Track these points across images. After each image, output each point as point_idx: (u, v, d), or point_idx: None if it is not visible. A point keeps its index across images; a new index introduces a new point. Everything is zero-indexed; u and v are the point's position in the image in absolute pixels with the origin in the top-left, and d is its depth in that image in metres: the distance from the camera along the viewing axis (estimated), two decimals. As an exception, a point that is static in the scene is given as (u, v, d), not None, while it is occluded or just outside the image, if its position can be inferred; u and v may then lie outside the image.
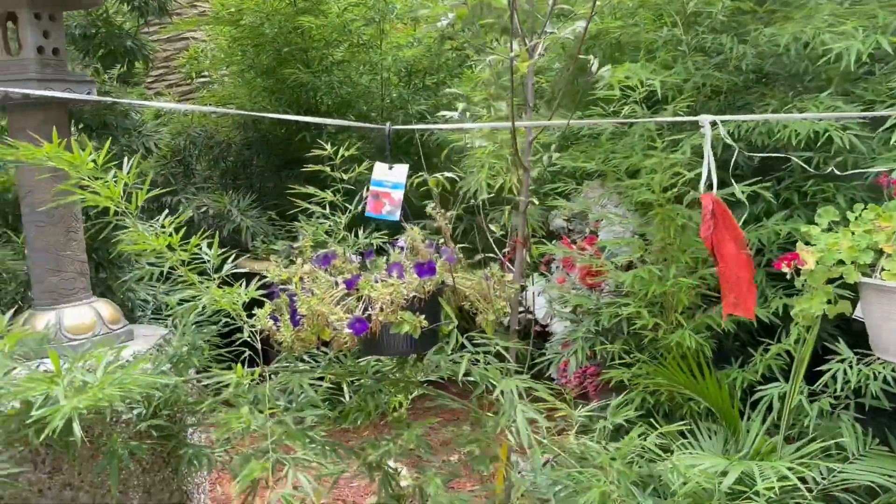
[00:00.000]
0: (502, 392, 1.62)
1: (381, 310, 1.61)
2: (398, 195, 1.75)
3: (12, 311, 2.04)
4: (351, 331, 1.58)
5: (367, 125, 1.86)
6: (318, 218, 2.25)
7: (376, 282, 1.64)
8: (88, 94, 2.07)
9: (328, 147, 2.06)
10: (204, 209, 3.33)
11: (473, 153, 2.44)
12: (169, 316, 2.99)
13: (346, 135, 3.85)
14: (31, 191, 2.05)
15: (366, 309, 1.64)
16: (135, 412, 1.95)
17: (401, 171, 1.77)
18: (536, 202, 2.35)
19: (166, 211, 2.01)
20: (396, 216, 1.74)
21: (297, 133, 4.06)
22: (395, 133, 3.78)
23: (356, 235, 2.18)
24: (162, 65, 4.89)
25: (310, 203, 2.15)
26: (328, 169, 2.12)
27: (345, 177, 2.10)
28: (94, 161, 1.76)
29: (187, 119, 3.94)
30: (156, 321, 3.01)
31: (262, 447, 1.99)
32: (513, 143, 1.80)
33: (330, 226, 2.18)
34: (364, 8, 3.75)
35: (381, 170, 1.77)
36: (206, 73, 4.73)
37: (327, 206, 2.17)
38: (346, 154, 2.06)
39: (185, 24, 4.21)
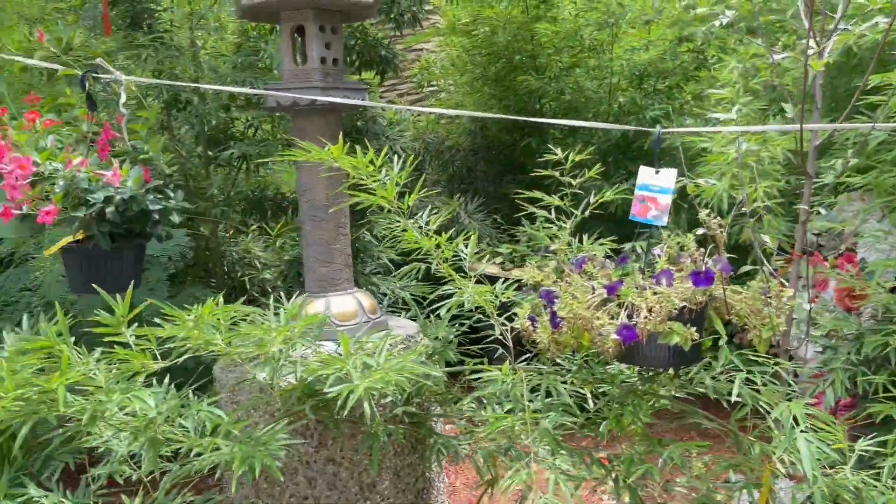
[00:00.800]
0: (778, 417, 1.51)
1: (648, 318, 1.57)
2: (665, 200, 1.70)
3: (296, 296, 2.27)
4: (618, 338, 1.56)
5: (626, 127, 1.82)
6: (541, 222, 2.26)
7: (643, 288, 1.60)
8: (362, 100, 2.24)
9: (559, 152, 2.06)
10: (436, 211, 3.47)
11: (710, 160, 2.31)
12: (405, 309, 3.16)
13: (572, 139, 3.85)
14: (309, 188, 2.25)
15: (630, 316, 1.60)
16: (388, 398, 2.08)
17: (668, 175, 1.71)
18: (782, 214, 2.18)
19: (427, 209, 2.12)
20: (663, 221, 1.69)
21: (521, 139, 4.13)
22: (626, 138, 3.70)
23: (580, 241, 2.14)
24: (393, 74, 5.20)
25: (536, 207, 2.16)
26: (557, 174, 2.12)
27: (573, 182, 2.09)
28: (371, 163, 1.90)
29: (422, 125, 4.15)
30: (393, 313, 3.20)
31: (501, 444, 2.03)
32: (799, 148, 1.68)
33: (555, 230, 2.18)
34: (597, 13, 3.73)
35: (646, 174, 1.72)
36: (434, 83, 4.96)
37: (552, 211, 2.17)
38: (576, 159, 2.06)
39: (421, 36, 4.44)
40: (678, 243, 1.76)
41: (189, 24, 2.99)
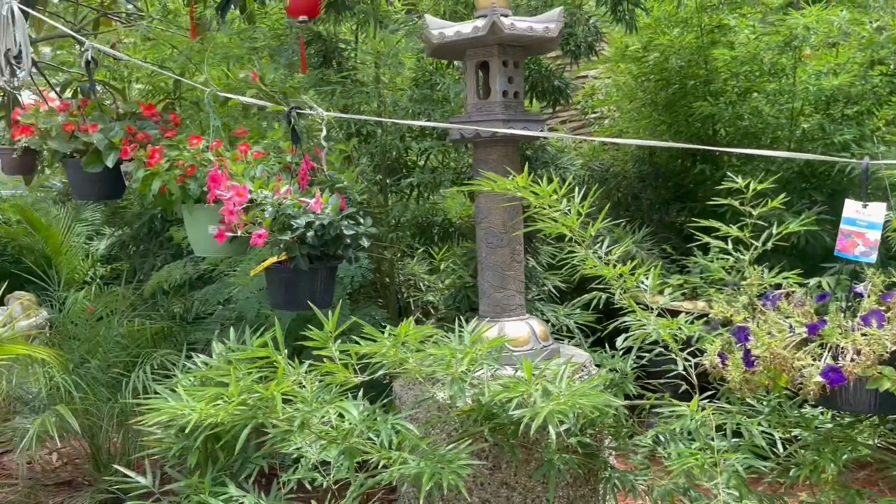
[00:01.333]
0: None
1: (855, 361, 1.48)
2: (874, 236, 1.59)
3: (474, 320, 2.34)
4: (823, 380, 1.48)
5: (834, 158, 1.73)
6: (716, 253, 2.17)
7: (849, 329, 1.51)
8: (541, 131, 2.29)
9: (739, 180, 1.98)
10: (601, 239, 3.45)
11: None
12: (569, 337, 3.16)
13: (749, 166, 3.68)
14: (487, 216, 2.33)
15: (835, 358, 1.52)
16: (562, 426, 2.08)
17: (877, 209, 1.61)
18: None
19: (606, 239, 2.13)
20: (872, 258, 1.59)
21: (693, 166, 4.01)
22: (811, 166, 3.48)
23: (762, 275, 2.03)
24: (565, 103, 5.24)
25: (711, 237, 2.08)
26: (735, 202, 2.04)
27: (754, 212, 2.00)
28: (554, 192, 1.93)
29: (585, 152, 4.15)
30: (556, 341, 3.21)
31: (679, 484, 1.96)
32: None
33: (732, 262, 2.09)
34: (778, 36, 3.56)
35: (853, 207, 1.63)
36: (597, 110, 4.94)
37: (728, 242, 2.09)
38: (757, 188, 1.97)
39: (588, 64, 4.45)
40: (883, 281, 1.65)
41: (374, 61, 3.19)
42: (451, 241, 3.73)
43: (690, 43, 3.77)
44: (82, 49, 2.86)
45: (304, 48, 3.02)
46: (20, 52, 2.71)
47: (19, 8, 2.68)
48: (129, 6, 3.85)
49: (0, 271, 5.04)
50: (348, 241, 2.25)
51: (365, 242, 2.30)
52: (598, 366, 2.38)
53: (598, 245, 2.06)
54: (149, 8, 3.85)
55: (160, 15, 3.78)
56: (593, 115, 5.03)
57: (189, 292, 3.64)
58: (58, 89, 3.99)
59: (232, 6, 3.24)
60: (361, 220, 2.30)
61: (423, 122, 2.69)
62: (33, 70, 3.38)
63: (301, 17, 2.83)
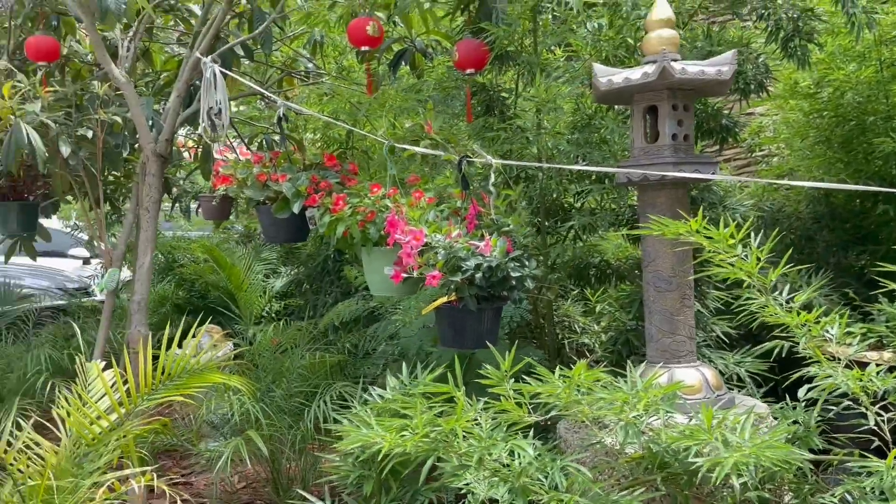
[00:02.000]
0: None
1: None
2: None
3: (643, 366, 2.32)
4: None
5: None
6: None
7: None
8: (713, 174, 2.26)
9: None
10: (780, 284, 3.29)
11: None
12: (739, 386, 3.02)
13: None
14: (654, 259, 2.32)
15: None
16: (740, 479, 2.00)
17: None
18: None
19: (787, 285, 2.05)
20: None
21: (874, 207, 3.73)
22: None
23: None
24: (734, 142, 5.08)
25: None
26: None
27: None
28: (731, 236, 1.90)
29: (757, 192, 4.00)
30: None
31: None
32: None
33: None
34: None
35: None
36: (765, 148, 4.74)
37: None
38: None
39: (754, 101, 4.31)
40: None
41: (536, 108, 3.29)
42: (608, 282, 3.70)
43: (869, 77, 3.56)
44: (275, 106, 3.18)
45: (470, 99, 3.17)
46: (220, 109, 3.06)
47: (220, 71, 3.03)
48: (310, 65, 4.22)
49: (189, 306, 5.60)
50: (514, 282, 2.32)
51: (529, 284, 2.37)
52: (775, 418, 2.26)
53: (778, 291, 1.99)
54: (325, 66, 4.20)
55: (336, 72, 4.11)
56: (761, 153, 4.82)
57: (359, 328, 3.86)
58: (246, 141, 4.43)
59: (403, 63, 3.48)
60: (526, 263, 2.37)
61: (588, 167, 2.73)
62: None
63: (468, 70, 2.98)
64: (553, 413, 1.79)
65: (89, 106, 3.60)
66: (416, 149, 2.61)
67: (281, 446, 2.87)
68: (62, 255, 7.95)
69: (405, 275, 2.36)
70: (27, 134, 3.03)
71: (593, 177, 3.36)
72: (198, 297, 5.59)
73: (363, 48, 3.04)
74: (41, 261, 5.33)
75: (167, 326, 4.12)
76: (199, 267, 5.60)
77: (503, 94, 3.44)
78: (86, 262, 8.17)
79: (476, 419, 1.71)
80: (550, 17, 3.31)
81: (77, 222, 6.48)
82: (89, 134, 3.37)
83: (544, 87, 2.91)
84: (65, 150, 3.24)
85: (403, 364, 2.44)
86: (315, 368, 3.11)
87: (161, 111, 3.58)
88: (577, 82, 3.13)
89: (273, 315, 4.98)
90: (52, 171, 3.53)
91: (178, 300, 5.44)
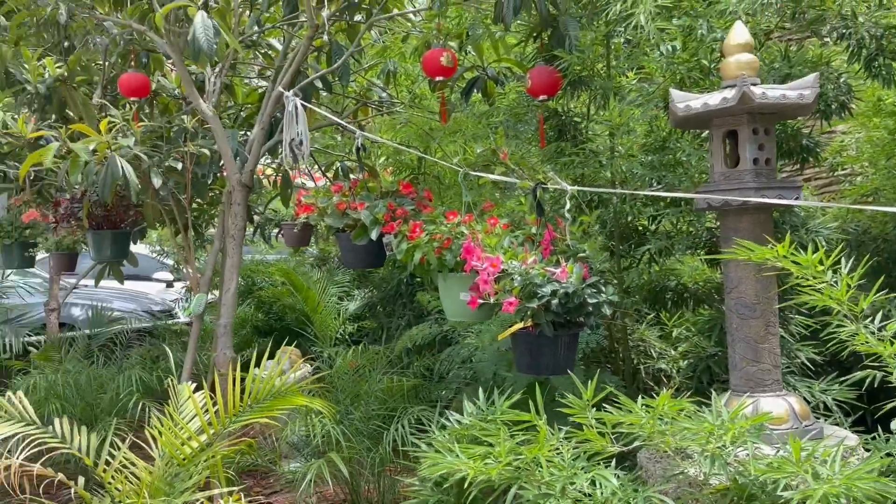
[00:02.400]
0: None
1: None
2: None
3: (727, 395, 2.27)
4: None
5: None
6: None
7: None
8: (796, 198, 2.21)
9: None
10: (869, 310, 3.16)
11: None
12: (825, 415, 2.91)
13: None
14: (737, 285, 2.27)
15: None
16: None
17: None
18: None
19: (878, 313, 1.98)
20: None
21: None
22: None
23: None
24: (815, 162, 4.93)
25: None
26: None
27: None
28: (820, 262, 1.85)
29: (841, 213, 3.86)
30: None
31: None
32: None
33: None
34: None
35: None
36: (847, 167, 4.58)
37: None
38: None
39: (836, 121, 4.18)
40: None
41: (609, 132, 3.28)
42: (685, 306, 3.64)
43: (961, 92, 3.41)
44: (352, 135, 3.28)
45: (543, 124, 3.20)
46: (301, 140, 3.17)
47: (301, 104, 3.15)
48: (383, 94, 4.33)
49: (267, 327, 5.78)
50: (591, 308, 2.31)
51: (607, 310, 2.35)
52: (867, 450, 2.18)
53: (868, 318, 1.92)
54: (398, 95, 4.31)
55: (409, 101, 4.21)
56: (843, 172, 4.66)
57: (432, 352, 3.90)
58: (323, 169, 4.57)
59: (475, 90, 3.54)
60: (603, 289, 2.36)
61: (666, 193, 2.71)
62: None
63: (541, 97, 3.01)
64: (636, 443, 1.77)
65: (177, 138, 3.81)
66: (491, 176, 2.65)
67: (360, 468, 2.92)
68: (147, 278, 8.34)
69: (481, 301, 2.38)
70: (122, 167, 3.22)
71: (668, 199, 3.32)
72: (276, 319, 5.76)
73: (437, 78, 3.11)
74: (127, 284, 5.61)
75: (248, 348, 4.26)
76: (277, 290, 5.78)
77: (576, 119, 3.45)
78: (169, 285, 8.54)
79: (557, 448, 1.72)
80: (623, 41, 3.31)
81: (162, 248, 6.78)
82: (178, 165, 3.54)
83: (618, 111, 2.90)
84: (156, 181, 3.42)
85: (480, 390, 2.46)
86: (391, 392, 3.16)
87: (244, 142, 3.74)
88: (650, 105, 3.12)
89: (347, 337, 5.09)
90: (144, 200, 3.73)
91: (258, 322, 5.61)
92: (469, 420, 2.29)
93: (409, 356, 3.97)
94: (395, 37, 3.75)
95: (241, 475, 3.34)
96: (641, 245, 3.39)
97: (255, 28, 3.92)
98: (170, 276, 8.44)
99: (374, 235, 2.86)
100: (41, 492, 2.49)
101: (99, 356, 4.69)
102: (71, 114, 4.45)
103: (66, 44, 4.38)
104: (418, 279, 4.72)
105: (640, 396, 1.83)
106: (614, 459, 1.88)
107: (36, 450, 2.38)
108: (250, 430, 3.81)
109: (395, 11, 3.51)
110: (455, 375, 3.81)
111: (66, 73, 4.29)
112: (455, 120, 3.99)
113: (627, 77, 3.62)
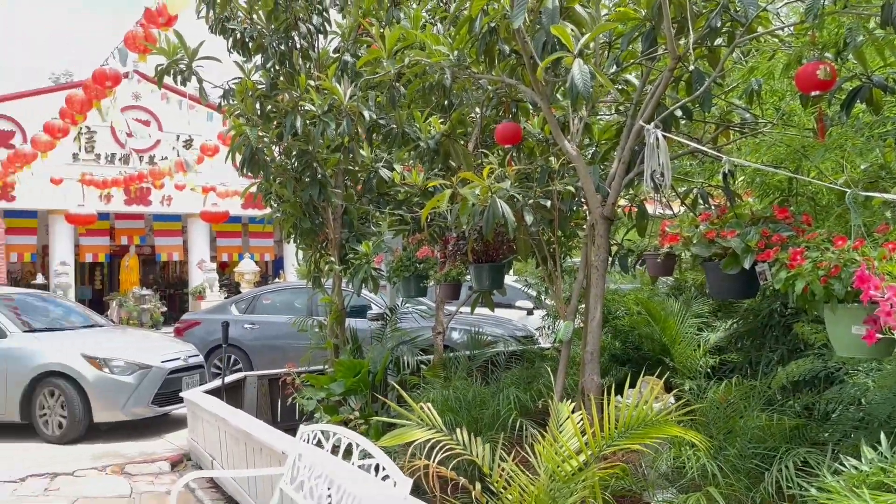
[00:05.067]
0: None
1: None
2: None
3: None
4: None
5: None
6: None
7: None
8: None
9: None
10: None
11: None
12: None
13: None
14: None
15: None
16: None
17: None
18: None
19: None
20: None
21: None
22: None
23: None
24: None
25: None
26: None
27: None
28: None
29: None
30: None
31: None
32: None
33: None
34: None
35: None
36: None
37: None
38: None
39: None
40: None
41: None
42: None
43: None
44: (716, 161, 3.22)
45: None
46: (662, 171, 3.20)
47: (662, 135, 3.19)
48: (746, 115, 4.14)
49: (625, 356, 5.84)
50: None
51: None
52: None
53: None
54: (763, 114, 4.07)
55: (776, 119, 3.95)
56: None
57: (813, 390, 3.57)
58: (681, 196, 4.52)
59: (857, 101, 3.20)
60: None
61: None
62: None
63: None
64: None
65: (541, 178, 4.13)
66: (887, 195, 2.38)
67: (739, 508, 2.80)
68: (509, 306, 9.07)
69: (880, 335, 2.15)
70: (501, 207, 3.61)
71: None
72: (633, 348, 5.80)
73: (813, 93, 2.90)
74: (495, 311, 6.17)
75: (605, 376, 4.38)
76: (634, 319, 5.82)
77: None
78: (529, 312, 9.17)
79: None
80: None
81: (526, 279, 7.32)
82: (546, 203, 3.84)
83: None
84: (528, 218, 3.76)
85: (882, 434, 2.21)
86: (769, 429, 2.97)
87: (603, 177, 3.90)
88: None
89: (708, 370, 4.89)
90: (517, 235, 4.11)
91: (616, 350, 5.72)
92: (869, 467, 2.08)
93: (785, 393, 3.67)
94: (762, 55, 3.58)
95: (615, 499, 3.43)
96: None
97: (614, 68, 4.08)
98: (530, 305, 9.05)
99: (746, 264, 2.76)
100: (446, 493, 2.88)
101: (477, 376, 5.24)
102: (452, 163, 5.13)
103: (445, 102, 5.05)
104: (790, 309, 4.36)
105: None
106: None
107: (441, 455, 2.78)
108: (618, 455, 3.89)
109: (761, 30, 3.36)
110: (842, 416, 3.42)
111: (448, 129, 4.96)
112: (833, 134, 3.63)
113: None
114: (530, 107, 4.64)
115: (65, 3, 67.06)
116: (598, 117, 5.07)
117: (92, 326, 8.50)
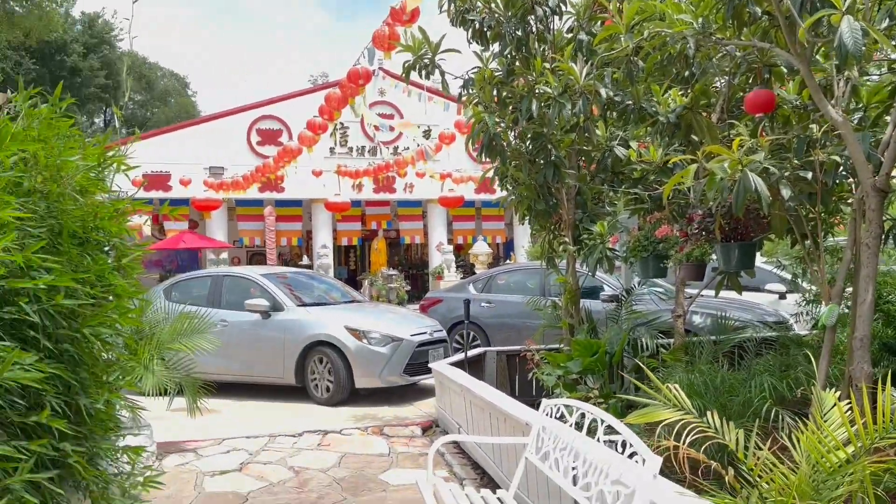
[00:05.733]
0: None
1: None
2: None
3: None
4: None
5: None
6: None
7: None
8: None
9: None
10: None
11: None
12: None
13: None
14: None
15: None
16: None
17: None
18: None
19: None
20: None
21: None
22: None
23: None
24: None
25: None
26: None
27: None
28: None
29: None
30: None
31: None
32: None
33: None
34: None
35: None
36: None
37: None
38: None
39: None
40: None
41: None
42: None
43: None
44: None
45: None
46: None
47: None
48: None
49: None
50: None
51: None
52: None
53: None
54: None
55: None
56: None
57: None
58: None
59: None
60: None
61: None
62: None
63: None
64: None
65: (798, 148, 3.79)
66: None
67: None
68: (757, 289, 8.43)
69: None
70: (753, 181, 3.38)
71: None
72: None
73: None
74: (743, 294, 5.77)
75: (876, 366, 3.95)
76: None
77: None
78: (781, 296, 8.45)
79: None
80: None
81: (778, 259, 6.77)
82: (806, 175, 3.53)
83: None
84: (785, 192, 3.49)
85: None
86: None
87: (875, 144, 3.49)
88: None
89: None
90: (772, 212, 3.84)
91: (888, 339, 5.10)
92: None
93: None
94: None
95: (888, 496, 3.09)
96: None
97: (886, 22, 3.61)
98: (782, 288, 8.34)
99: None
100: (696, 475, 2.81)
101: (723, 361, 4.98)
102: (695, 137, 4.89)
103: (686, 73, 4.81)
104: None
105: None
106: None
107: (691, 437, 2.71)
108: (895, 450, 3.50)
109: None
110: None
111: (690, 101, 4.73)
112: None
113: None
114: (784, 71, 4.28)
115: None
116: (866, 78, 4.53)
117: (350, 302, 9.44)
